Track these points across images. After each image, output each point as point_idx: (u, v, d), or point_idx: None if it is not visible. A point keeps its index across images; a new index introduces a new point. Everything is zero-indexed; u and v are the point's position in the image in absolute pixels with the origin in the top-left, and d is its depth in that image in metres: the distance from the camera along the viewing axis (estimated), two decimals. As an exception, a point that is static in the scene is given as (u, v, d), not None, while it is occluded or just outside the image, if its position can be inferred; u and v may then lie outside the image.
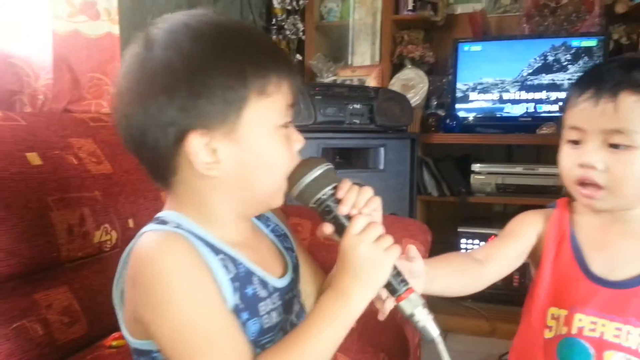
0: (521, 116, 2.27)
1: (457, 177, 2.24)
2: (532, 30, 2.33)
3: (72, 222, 0.95)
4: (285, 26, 2.44)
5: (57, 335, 0.85)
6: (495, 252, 0.85)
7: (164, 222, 0.59)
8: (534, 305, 0.83)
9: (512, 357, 0.90)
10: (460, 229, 2.15)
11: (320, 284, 0.73)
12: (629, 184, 0.75)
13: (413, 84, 2.40)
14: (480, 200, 2.22)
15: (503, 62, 2.28)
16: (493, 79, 2.30)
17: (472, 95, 2.33)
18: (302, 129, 2.05)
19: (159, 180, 0.62)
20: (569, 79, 2.19)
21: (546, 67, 2.23)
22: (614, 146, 0.73)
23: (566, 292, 0.80)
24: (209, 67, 0.56)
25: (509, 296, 2.00)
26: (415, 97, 2.36)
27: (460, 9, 2.54)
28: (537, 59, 2.24)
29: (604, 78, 0.76)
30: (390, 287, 0.61)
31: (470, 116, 2.33)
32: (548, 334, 0.80)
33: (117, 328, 0.62)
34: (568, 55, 2.20)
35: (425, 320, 0.61)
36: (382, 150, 1.97)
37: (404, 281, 0.61)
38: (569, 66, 2.20)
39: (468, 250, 2.13)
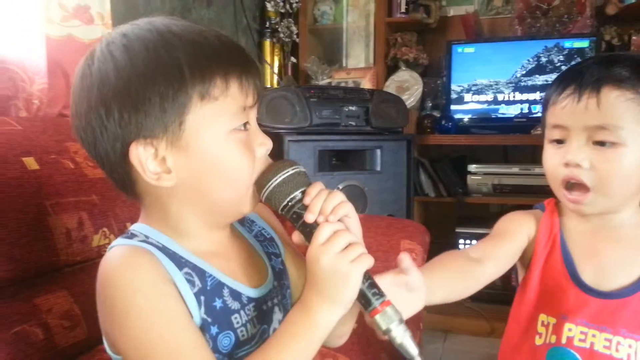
0: (516, 117, 2.28)
1: (454, 178, 2.26)
2: (524, 31, 2.35)
3: (70, 226, 0.94)
4: (279, 29, 2.45)
5: (57, 339, 0.84)
6: (491, 250, 0.82)
7: (132, 235, 0.58)
8: (524, 310, 0.81)
9: None
10: (457, 230, 2.16)
11: None
12: (616, 182, 0.73)
13: (408, 86, 2.41)
14: (477, 201, 2.23)
15: (496, 63, 2.30)
16: (487, 81, 2.32)
17: (467, 97, 2.34)
18: (298, 132, 2.05)
19: (124, 192, 0.60)
20: (562, 79, 2.20)
21: (539, 68, 2.25)
22: (600, 143, 0.72)
23: (555, 300, 0.78)
24: (143, 76, 0.53)
25: (507, 296, 1.99)
26: (410, 99, 2.37)
27: (452, 11, 2.56)
28: (530, 60, 2.26)
29: (584, 74, 0.73)
30: (363, 300, 0.56)
31: (466, 117, 2.34)
32: (538, 341, 0.79)
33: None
34: (561, 56, 2.22)
35: (402, 337, 0.55)
36: (378, 151, 1.97)
37: (379, 293, 0.56)
38: (562, 67, 2.22)
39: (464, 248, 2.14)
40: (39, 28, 1.19)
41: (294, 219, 0.58)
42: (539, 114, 2.23)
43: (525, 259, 0.83)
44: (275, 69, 2.49)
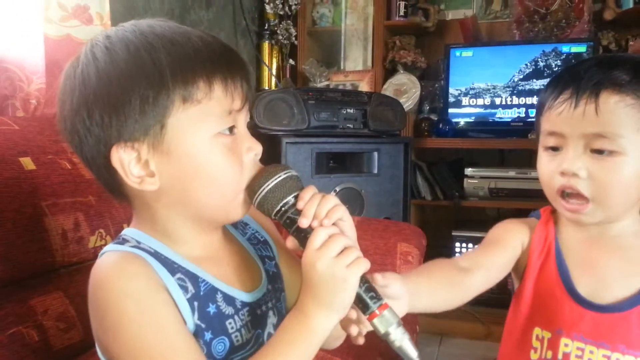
0: (513, 121, 2.29)
1: (451, 181, 2.26)
2: (522, 36, 2.36)
3: (67, 227, 0.94)
4: (278, 31, 2.45)
5: (53, 341, 0.84)
6: (482, 260, 0.78)
7: (124, 241, 0.58)
8: (518, 323, 0.78)
9: None
10: (454, 233, 2.16)
11: None
12: (615, 193, 0.69)
13: (406, 89, 2.41)
14: (473, 204, 2.23)
15: (494, 67, 2.30)
16: (485, 84, 2.32)
17: (464, 100, 2.34)
18: (296, 134, 2.04)
19: (113, 195, 0.60)
20: (559, 84, 2.21)
21: (537, 73, 2.25)
22: (598, 152, 0.68)
23: (550, 313, 0.74)
24: (123, 78, 0.52)
25: (504, 299, 1.99)
26: (408, 102, 2.37)
27: (451, 15, 2.56)
28: (528, 64, 2.27)
29: (582, 77, 0.69)
30: (360, 304, 0.55)
31: (463, 121, 2.34)
32: (534, 356, 0.75)
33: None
34: (558, 61, 2.23)
35: (401, 339, 0.54)
36: (375, 154, 1.97)
37: (376, 297, 0.55)
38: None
39: (456, 256, 2.14)
40: (38, 28, 1.19)
41: (288, 224, 0.57)
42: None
43: (519, 270, 0.80)
44: (274, 71, 2.49)
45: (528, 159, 2.34)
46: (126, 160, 0.54)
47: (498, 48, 2.36)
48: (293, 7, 2.46)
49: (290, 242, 0.58)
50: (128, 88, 0.52)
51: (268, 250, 0.69)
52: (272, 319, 0.65)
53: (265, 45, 2.46)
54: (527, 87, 2.27)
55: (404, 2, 2.42)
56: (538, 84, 2.25)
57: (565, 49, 2.22)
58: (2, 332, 0.77)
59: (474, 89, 2.33)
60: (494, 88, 2.31)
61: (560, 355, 0.72)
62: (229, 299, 0.60)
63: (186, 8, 2.01)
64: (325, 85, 2.44)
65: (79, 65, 0.55)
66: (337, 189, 1.88)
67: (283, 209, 0.57)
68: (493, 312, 2.04)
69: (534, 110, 2.35)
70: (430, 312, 0.73)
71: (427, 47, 2.55)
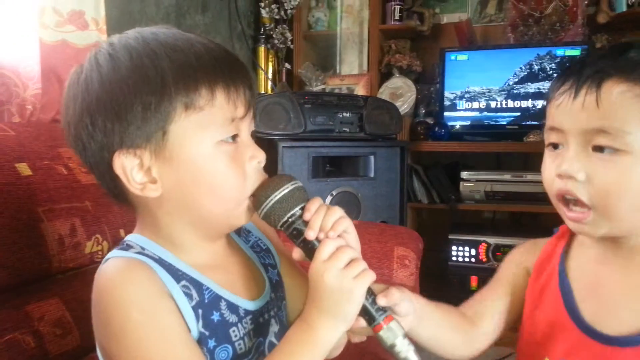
0: (508, 124, 2.30)
1: (447, 185, 2.26)
2: (517, 39, 2.37)
3: (63, 232, 0.94)
4: (274, 35, 2.45)
5: (49, 347, 0.83)
6: (484, 306, 0.74)
7: (128, 247, 0.58)
8: (525, 349, 0.71)
9: None
10: (451, 236, 2.16)
11: None
12: (619, 200, 0.58)
13: (401, 93, 2.42)
14: (469, 208, 2.24)
15: (489, 71, 2.32)
16: (480, 88, 2.33)
17: (460, 104, 2.35)
18: (292, 138, 2.04)
19: (116, 201, 0.60)
20: (554, 87, 2.23)
21: (532, 76, 2.27)
22: (599, 149, 0.58)
23: (553, 340, 0.66)
24: (126, 84, 0.53)
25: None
26: (404, 106, 2.38)
27: (446, 19, 2.58)
28: (523, 67, 2.28)
29: (586, 65, 0.60)
30: (366, 316, 0.56)
31: (459, 124, 2.35)
32: None
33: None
34: (553, 64, 2.24)
35: (407, 351, 0.55)
36: (372, 158, 1.98)
37: (382, 309, 0.56)
38: (554, 75, 2.24)
39: (459, 259, 2.14)
40: (33, 33, 1.19)
41: (294, 235, 0.57)
42: (531, 122, 2.26)
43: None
44: (270, 75, 2.49)
45: (524, 162, 2.35)
46: (128, 167, 0.54)
47: (493, 51, 2.38)
48: (289, 12, 2.46)
49: (297, 253, 0.58)
50: (130, 94, 0.52)
51: (270, 258, 0.69)
52: (274, 328, 0.65)
53: (261, 49, 2.47)
54: (522, 90, 2.28)
55: (399, 6, 2.43)
56: (533, 87, 2.26)
57: (559, 52, 2.24)
58: (-1, 339, 0.77)
59: (469, 92, 2.34)
60: (489, 91, 2.32)
61: None
62: (233, 307, 0.60)
63: (182, 12, 2.01)
64: (321, 89, 2.44)
65: (82, 72, 0.56)
66: (334, 192, 1.89)
67: (290, 220, 0.57)
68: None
69: (528, 114, 2.38)
70: (435, 351, 0.70)
71: (422, 50, 2.56)
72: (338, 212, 0.57)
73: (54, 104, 1.26)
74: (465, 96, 2.35)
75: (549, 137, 0.64)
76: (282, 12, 2.45)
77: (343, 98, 1.98)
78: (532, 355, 0.69)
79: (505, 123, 2.30)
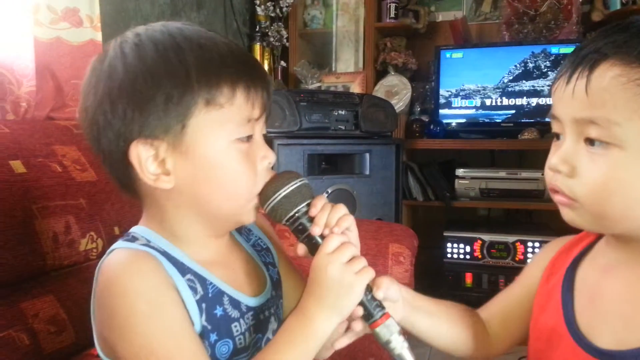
0: (503, 122, 2.31)
1: (442, 182, 2.27)
2: (512, 37, 2.38)
3: (57, 230, 0.94)
4: (269, 33, 2.45)
5: (44, 344, 0.83)
6: (497, 308, 0.71)
7: (134, 239, 0.58)
8: (533, 358, 0.66)
9: None
10: (446, 233, 2.17)
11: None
12: (606, 198, 0.52)
13: (397, 90, 2.42)
14: (464, 205, 2.25)
15: (484, 68, 2.32)
16: (475, 86, 2.34)
17: (455, 102, 2.36)
18: (288, 136, 2.04)
19: (124, 190, 0.60)
20: (548, 85, 2.23)
21: (526, 74, 2.27)
22: (589, 142, 0.53)
23: (553, 350, 0.61)
24: (150, 75, 0.53)
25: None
26: (399, 104, 2.38)
27: (441, 17, 2.58)
28: (518, 65, 2.29)
29: (586, 45, 0.54)
30: (365, 312, 0.58)
31: (454, 122, 2.36)
32: None
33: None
34: (547, 62, 2.25)
35: (401, 347, 0.57)
36: (367, 155, 1.98)
37: (380, 306, 0.58)
38: (549, 72, 2.25)
39: (454, 256, 2.15)
40: (28, 30, 1.18)
41: (299, 230, 0.58)
42: (526, 120, 2.26)
43: None
44: (265, 73, 2.49)
45: (518, 160, 2.36)
46: (144, 157, 0.55)
47: (488, 49, 2.38)
48: (284, 9, 2.46)
49: (301, 249, 0.59)
50: (154, 85, 0.53)
51: (270, 257, 0.70)
52: (273, 325, 0.65)
53: (257, 47, 2.46)
54: (517, 88, 2.28)
55: (394, 4, 2.44)
56: (528, 85, 2.27)
57: (554, 50, 2.25)
58: (-7, 336, 0.77)
59: (464, 90, 2.35)
60: (484, 89, 2.33)
61: None
62: (235, 303, 0.61)
63: (177, 10, 2.00)
64: (316, 87, 2.44)
65: (106, 58, 0.56)
66: (329, 190, 1.89)
67: (296, 215, 0.58)
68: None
69: (523, 111, 2.38)
70: (436, 345, 0.70)
71: (417, 48, 2.57)
72: (342, 209, 0.59)
73: (49, 101, 1.25)
74: (461, 94, 2.36)
75: (552, 126, 0.58)
76: (278, 10, 2.44)
77: (338, 96, 1.98)
78: None
79: (500, 121, 2.31)
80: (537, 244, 2.03)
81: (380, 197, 2.00)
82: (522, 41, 2.34)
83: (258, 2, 2.43)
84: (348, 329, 0.61)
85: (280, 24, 2.47)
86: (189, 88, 0.53)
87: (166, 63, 0.54)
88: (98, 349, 0.59)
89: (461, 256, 2.15)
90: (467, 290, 2.09)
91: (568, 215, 0.57)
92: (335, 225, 0.57)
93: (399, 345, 0.57)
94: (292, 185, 0.58)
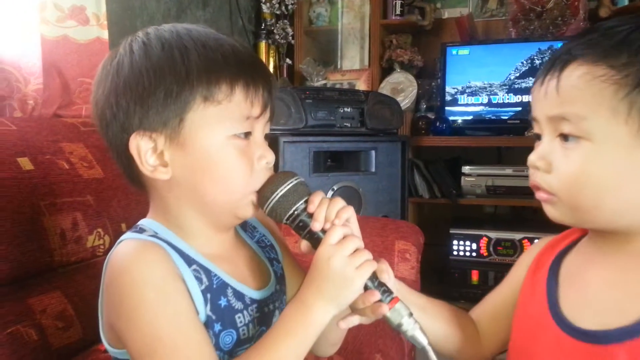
0: (509, 119, 2.29)
1: (448, 179, 2.26)
2: (518, 34, 2.36)
3: (65, 226, 0.94)
4: (275, 31, 2.45)
5: (52, 340, 0.84)
6: (486, 307, 0.72)
7: (142, 230, 0.60)
8: (515, 350, 0.67)
9: None
10: (452, 231, 2.17)
11: None
12: (580, 190, 0.55)
13: (402, 88, 2.42)
14: (470, 202, 2.24)
15: (491, 65, 2.31)
16: (481, 83, 2.33)
17: (461, 99, 2.35)
18: (293, 133, 2.04)
19: (130, 182, 0.62)
20: (555, 82, 2.22)
21: (533, 71, 2.26)
22: (564, 138, 0.56)
23: (538, 340, 0.62)
24: (153, 71, 0.56)
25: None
26: (405, 101, 2.37)
27: (447, 14, 2.57)
28: (524, 62, 2.27)
29: (558, 50, 0.58)
30: None
31: (460, 119, 2.35)
32: None
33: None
34: (554, 59, 2.23)
35: (413, 329, 0.58)
36: (373, 153, 1.98)
37: (387, 291, 0.58)
38: (556, 69, 2.23)
39: (460, 254, 2.15)
40: (35, 28, 1.19)
41: (300, 227, 0.59)
42: (533, 116, 2.25)
43: None
44: (271, 71, 2.49)
45: (525, 157, 2.34)
46: (143, 149, 0.57)
47: (494, 46, 2.37)
48: (289, 7, 2.46)
49: (305, 246, 0.60)
50: (155, 80, 0.56)
51: (274, 253, 0.71)
52: (277, 319, 0.66)
53: (262, 44, 2.47)
54: (524, 85, 2.27)
55: (400, 1, 2.43)
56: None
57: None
58: (1, 331, 0.78)
59: (470, 87, 2.34)
60: (490, 86, 2.32)
61: None
62: (239, 295, 0.62)
63: (182, 8, 2.01)
64: (322, 84, 2.44)
65: (116, 56, 0.59)
66: (335, 187, 1.89)
67: (295, 213, 0.59)
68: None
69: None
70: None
71: (423, 45, 2.56)
72: (340, 202, 0.60)
73: (55, 99, 1.26)
74: (467, 91, 2.35)
75: (533, 127, 0.62)
76: (283, 8, 2.45)
77: (344, 93, 1.98)
78: (517, 355, 0.66)
79: (506, 118, 2.30)
80: (543, 242, 2.02)
81: (386, 195, 2.00)
82: (529, 38, 2.32)
83: (263, 0, 2.43)
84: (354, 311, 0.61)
85: (285, 21, 2.47)
86: (188, 84, 0.56)
87: (169, 61, 0.56)
88: (104, 340, 0.61)
89: (467, 253, 2.15)
90: (473, 288, 2.09)
91: (549, 211, 0.59)
92: (336, 217, 0.58)
93: (411, 327, 0.58)
94: (287, 185, 0.59)
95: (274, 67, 2.52)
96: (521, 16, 2.35)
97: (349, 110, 1.92)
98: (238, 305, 0.61)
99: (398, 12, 2.45)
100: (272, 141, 1.73)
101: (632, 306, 0.54)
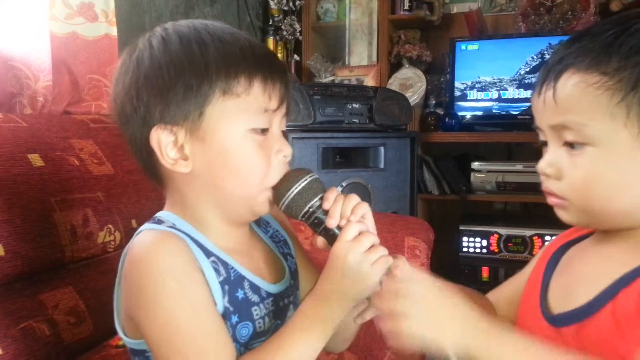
0: (520, 114, 2.27)
1: (457, 176, 2.25)
2: (528, 28, 2.34)
3: (75, 223, 0.94)
4: (282, 27, 2.45)
5: (64, 335, 0.84)
6: (502, 294, 0.73)
7: (160, 222, 0.60)
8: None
9: None
10: (461, 227, 2.15)
11: None
12: (590, 193, 0.56)
13: (411, 83, 2.40)
14: (480, 199, 2.23)
15: (500, 60, 2.29)
16: (491, 78, 2.31)
17: (471, 94, 2.33)
18: (302, 129, 2.04)
19: (149, 176, 0.63)
20: (566, 76, 2.20)
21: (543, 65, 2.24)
22: (569, 145, 0.57)
23: (526, 327, 0.64)
24: (173, 65, 0.57)
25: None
26: (414, 96, 2.36)
27: (456, 8, 2.55)
28: (534, 57, 2.25)
29: (552, 56, 0.59)
30: None
31: (469, 115, 2.33)
32: None
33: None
34: (565, 53, 2.21)
35: None
36: (382, 149, 1.97)
37: None
38: (566, 64, 2.21)
39: (470, 250, 2.14)
40: (44, 25, 1.19)
41: (316, 224, 0.60)
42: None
43: None
44: (279, 67, 2.49)
45: (535, 153, 2.31)
46: (164, 142, 0.58)
47: (504, 41, 2.35)
48: (297, 3, 2.45)
49: (320, 242, 0.60)
50: (175, 75, 0.57)
51: (288, 248, 0.72)
52: (291, 313, 0.67)
53: (270, 41, 2.46)
54: (534, 80, 2.24)
55: (408, -4, 2.41)
56: (544, 76, 2.24)
57: (571, 41, 2.21)
58: (14, 326, 0.78)
59: (480, 82, 2.32)
60: (500, 81, 2.30)
61: None
62: (255, 288, 0.62)
63: (190, 5, 2.01)
64: (330, 80, 2.43)
65: (135, 51, 0.60)
66: (344, 184, 1.88)
67: (310, 210, 0.59)
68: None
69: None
70: None
71: (432, 40, 2.54)
72: (355, 198, 0.60)
73: (65, 96, 1.26)
74: (476, 86, 2.33)
75: (539, 135, 0.63)
76: (291, 4, 2.44)
77: (352, 89, 1.97)
78: None
79: (516, 113, 2.28)
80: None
81: (395, 191, 1.99)
82: (539, 32, 2.30)
83: (271, -4, 2.42)
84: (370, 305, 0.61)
85: (293, 17, 2.46)
86: (207, 78, 0.57)
87: (188, 55, 0.57)
88: (120, 332, 0.61)
89: (477, 250, 2.13)
90: (484, 284, 2.08)
91: (562, 215, 0.61)
92: (351, 214, 0.58)
93: None
94: (302, 182, 0.59)
95: (282, 64, 2.51)
96: (531, 10, 2.33)
97: (357, 106, 1.91)
98: (254, 298, 0.62)
99: (406, 7, 2.43)
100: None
101: (585, 290, 0.57)
